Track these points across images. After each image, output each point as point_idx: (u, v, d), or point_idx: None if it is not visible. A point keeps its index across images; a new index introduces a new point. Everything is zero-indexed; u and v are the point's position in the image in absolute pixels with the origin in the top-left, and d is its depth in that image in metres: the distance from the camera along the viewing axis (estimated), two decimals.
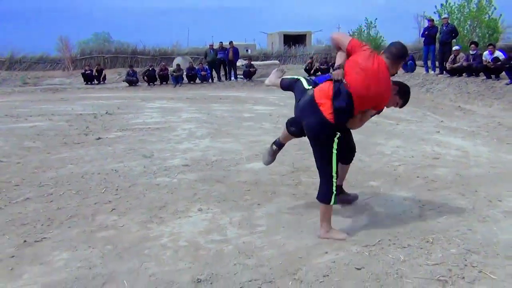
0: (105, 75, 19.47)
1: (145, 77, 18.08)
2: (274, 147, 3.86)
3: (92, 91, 16.99)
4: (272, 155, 3.88)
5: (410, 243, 3.13)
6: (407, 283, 2.60)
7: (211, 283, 2.63)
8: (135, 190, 4.44)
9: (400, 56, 3.12)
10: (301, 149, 6.05)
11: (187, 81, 18.28)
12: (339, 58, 3.18)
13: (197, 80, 18.33)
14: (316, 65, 19.66)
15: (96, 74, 19.06)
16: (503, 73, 11.27)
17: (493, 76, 11.69)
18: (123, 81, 18.52)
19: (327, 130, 3.06)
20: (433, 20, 14.83)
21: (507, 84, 10.95)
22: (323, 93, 3.09)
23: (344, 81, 3.00)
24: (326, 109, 3.02)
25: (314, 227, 3.39)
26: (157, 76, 18.25)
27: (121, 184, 4.63)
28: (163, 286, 2.60)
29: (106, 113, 10.15)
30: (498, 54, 11.43)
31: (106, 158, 5.79)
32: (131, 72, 18.31)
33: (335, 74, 3.05)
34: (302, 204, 4.00)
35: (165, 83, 18.38)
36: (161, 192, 4.38)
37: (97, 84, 19.03)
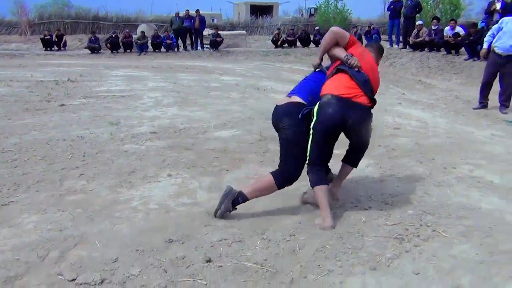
0: (65, 41, 18.74)
1: (108, 45, 17.54)
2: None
3: (52, 58, 16.36)
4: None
5: (371, 206, 3.32)
6: (367, 241, 2.78)
7: (182, 243, 2.73)
8: (103, 157, 4.43)
9: (381, 52, 3.40)
10: (268, 119, 6.12)
11: (152, 50, 17.87)
12: (340, 51, 3.10)
13: (162, 49, 17.95)
14: (283, 36, 19.64)
15: (56, 40, 18.29)
16: (463, 48, 11.67)
17: (453, 51, 12.09)
18: (85, 47, 17.91)
19: (371, 115, 3.08)
20: None
21: (465, 59, 11.38)
22: (344, 87, 2.97)
23: (361, 69, 3.03)
24: (362, 99, 2.97)
25: (280, 191, 3.51)
26: (120, 44, 17.74)
27: (88, 151, 4.59)
28: (135, 246, 2.67)
29: (68, 80, 9.85)
30: (458, 29, 11.80)
31: (71, 124, 5.70)
32: (93, 38, 17.72)
33: (354, 61, 3.00)
34: (269, 170, 4.09)
35: (129, 51, 17.91)
36: (130, 158, 4.39)
37: (57, 50, 18.29)
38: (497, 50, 6.82)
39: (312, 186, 3.04)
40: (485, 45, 7.11)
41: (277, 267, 2.47)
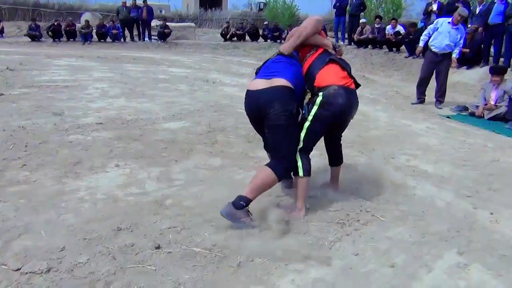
0: (3, 28, 17.72)
1: (50, 33, 16.78)
2: None
3: None
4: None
5: (316, 194, 3.47)
6: (311, 226, 2.92)
7: (131, 231, 2.74)
8: (47, 147, 4.30)
9: None
10: (217, 111, 6.21)
11: (96, 39, 17.31)
12: (325, 40, 3.16)
13: (108, 39, 17.44)
14: (232, 30, 19.65)
15: None
16: (403, 46, 12.26)
17: (394, 49, 12.67)
18: (25, 35, 17.02)
19: None
20: None
21: (405, 57, 11.97)
22: (342, 77, 3.01)
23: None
24: (353, 86, 3.07)
25: (229, 181, 3.61)
26: (63, 32, 17.03)
27: (30, 141, 4.44)
28: (82, 235, 2.66)
29: (7, 68, 9.35)
30: (399, 28, 12.37)
31: (11, 114, 5.46)
32: (34, 26, 16.88)
33: (341, 51, 3.14)
34: (218, 161, 4.19)
35: (72, 40, 17.23)
36: (75, 149, 4.30)
37: None
38: (433, 49, 7.30)
39: (304, 175, 3.00)
40: (420, 44, 7.67)
41: (225, 252, 2.55)
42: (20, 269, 2.29)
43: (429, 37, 7.38)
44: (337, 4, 15.04)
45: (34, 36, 16.70)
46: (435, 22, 7.53)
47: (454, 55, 7.28)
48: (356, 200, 3.37)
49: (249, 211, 2.85)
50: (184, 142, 4.71)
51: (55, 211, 2.97)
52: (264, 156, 4.33)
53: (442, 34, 7.19)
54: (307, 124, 2.97)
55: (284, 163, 2.93)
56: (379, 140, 5.21)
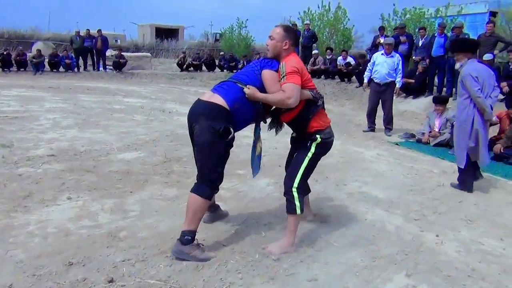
0: None
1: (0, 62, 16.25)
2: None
3: None
4: None
5: (271, 221, 3.55)
6: (266, 254, 2.96)
7: (83, 265, 2.68)
8: None
9: None
10: (173, 140, 6.21)
11: (49, 69, 16.91)
12: (306, 93, 2.99)
13: (61, 69, 17.09)
14: (189, 60, 19.80)
15: None
16: (354, 77, 12.79)
17: (346, 79, 13.20)
18: None
19: None
20: (296, 25, 16.07)
21: (356, 87, 12.50)
22: (326, 117, 3.21)
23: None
24: None
25: (184, 211, 3.60)
26: (13, 62, 16.54)
27: None
28: (32, 271, 2.58)
29: None
30: (349, 59, 12.96)
31: None
32: None
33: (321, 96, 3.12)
34: (174, 191, 4.18)
35: (23, 69, 16.72)
36: (25, 182, 4.17)
37: None
38: (376, 80, 7.89)
39: (300, 213, 3.02)
40: (365, 80, 8.39)
41: (180, 283, 2.54)
42: None
43: (371, 72, 8.01)
44: None
45: None
46: (372, 58, 8.14)
47: (398, 85, 7.87)
48: (310, 226, 3.46)
49: (199, 244, 2.87)
50: (139, 173, 4.68)
51: (2, 247, 2.86)
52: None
53: (380, 65, 7.86)
54: (305, 163, 3.04)
55: (207, 183, 2.88)
56: (332, 167, 5.37)
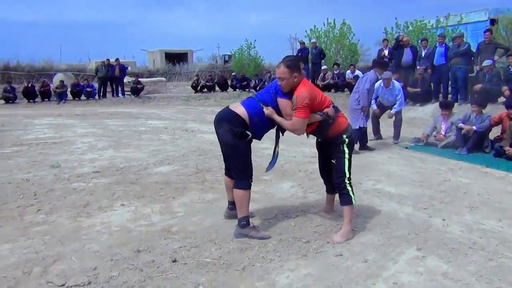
0: None
1: (25, 94, 17.21)
2: None
3: None
4: None
5: (298, 214, 4.11)
6: (298, 239, 3.52)
7: (149, 251, 3.27)
8: (54, 194, 4.78)
9: None
10: (201, 155, 6.82)
11: (71, 98, 17.84)
12: (314, 116, 3.51)
13: (82, 97, 18.00)
14: (202, 82, 20.60)
15: None
16: None
17: None
18: (0, 98, 17.34)
19: None
20: (304, 43, 16.80)
21: None
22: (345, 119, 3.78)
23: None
24: None
25: (223, 210, 4.16)
26: (38, 93, 17.50)
27: (37, 191, 4.91)
28: (109, 257, 3.17)
29: None
30: (358, 72, 13.57)
31: (11, 170, 5.90)
32: (9, 88, 17.29)
33: (330, 112, 3.55)
34: (210, 195, 4.77)
35: (46, 99, 17.70)
36: (81, 194, 4.80)
37: None
38: (381, 102, 8.32)
39: (354, 203, 3.62)
40: (374, 107, 8.34)
41: (230, 261, 3.12)
42: (64, 284, 2.78)
43: (375, 100, 8.28)
44: (299, 54, 16.30)
45: (9, 98, 17.07)
46: (374, 89, 8.18)
47: (393, 111, 8.13)
48: (333, 217, 4.01)
49: (255, 226, 3.57)
50: (177, 182, 5.28)
51: (79, 242, 3.47)
52: None
53: (382, 96, 8.24)
54: (346, 163, 3.61)
55: (242, 176, 3.53)
56: None
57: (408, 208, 4.35)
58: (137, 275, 2.89)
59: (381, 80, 8.09)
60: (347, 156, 3.63)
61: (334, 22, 18.18)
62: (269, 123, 3.59)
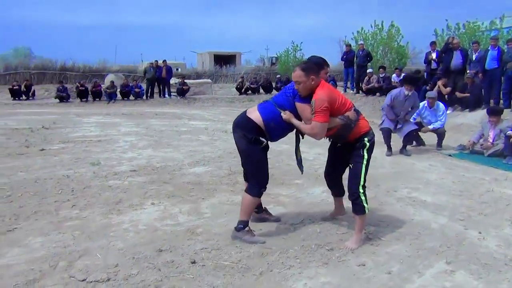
0: (34, 91, 19.11)
1: (78, 93, 18.04)
2: None
3: (20, 107, 16.65)
4: None
5: (326, 220, 4.02)
6: (321, 246, 3.44)
7: (170, 251, 3.31)
8: (90, 191, 4.96)
9: None
10: (236, 157, 6.82)
11: (120, 98, 18.49)
12: (335, 120, 3.41)
13: (131, 97, 18.61)
14: (247, 84, 20.73)
15: (25, 89, 18.67)
16: None
17: None
18: (55, 97, 18.28)
19: None
20: (350, 45, 16.51)
21: None
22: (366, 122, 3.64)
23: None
24: None
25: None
26: (90, 93, 18.28)
27: (75, 187, 5.11)
28: (131, 256, 3.23)
29: (43, 127, 10.30)
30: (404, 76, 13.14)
31: (55, 166, 6.18)
32: (62, 88, 18.19)
33: (352, 116, 3.45)
34: (239, 198, 4.72)
35: (97, 99, 18.44)
36: (115, 191, 4.94)
37: (25, 100, 18.61)
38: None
39: (367, 212, 3.51)
40: (415, 126, 7.76)
41: (248, 265, 3.09)
42: (85, 279, 2.86)
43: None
44: (344, 56, 16.03)
45: (62, 97, 17.94)
46: (417, 111, 7.96)
47: (431, 126, 7.83)
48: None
49: (250, 230, 3.54)
50: (208, 183, 5.33)
51: (106, 239, 3.56)
52: (279, 193, 4.93)
53: (425, 117, 7.95)
54: (364, 169, 3.51)
55: (256, 183, 3.52)
56: (384, 176, 5.74)
57: (443, 218, 4.15)
58: (155, 274, 2.93)
59: (425, 101, 7.96)
60: (365, 161, 3.51)
61: (382, 24, 17.77)
62: (287, 127, 3.52)
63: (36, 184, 5.21)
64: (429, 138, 8.29)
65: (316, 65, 3.46)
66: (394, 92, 7.46)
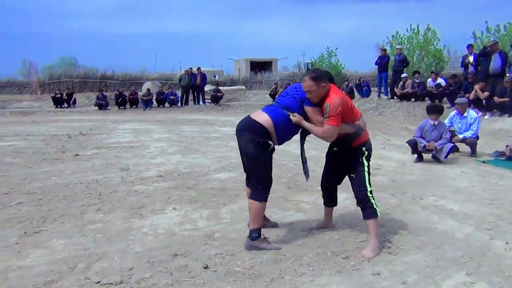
0: (75, 99, 19.90)
1: (117, 101, 18.63)
2: None
3: (62, 114, 17.38)
4: None
5: (345, 228, 3.96)
6: (337, 253, 3.38)
7: (185, 256, 3.35)
8: (116, 196, 5.09)
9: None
10: None
11: (156, 105, 18.93)
12: (346, 127, 3.41)
13: (166, 104, 19.02)
14: (280, 90, 20.70)
15: (66, 97, 19.46)
16: (445, 98, 12.57)
17: (436, 101, 12.98)
18: (94, 105, 18.95)
19: None
20: (385, 50, 16.21)
21: (448, 107, 12.20)
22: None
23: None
24: None
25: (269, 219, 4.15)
26: (127, 100, 18.82)
27: (103, 191, 5.26)
28: (147, 259, 3.29)
29: (80, 133, 10.70)
30: (440, 81, 12.77)
31: (86, 171, 6.40)
32: (101, 96, 18.83)
33: (362, 124, 3.52)
34: None
35: (134, 106, 18.96)
36: (139, 196, 5.06)
37: (67, 107, 19.40)
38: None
39: (378, 216, 3.48)
40: (461, 136, 7.75)
41: (260, 271, 3.08)
42: (99, 282, 2.94)
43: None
44: (378, 61, 15.76)
45: (101, 105, 18.57)
46: (448, 120, 7.99)
47: (461, 136, 7.64)
48: (381, 233, 3.79)
49: (266, 238, 3.50)
50: (231, 189, 5.35)
51: (125, 242, 3.65)
52: (300, 199, 4.90)
53: (456, 124, 7.86)
54: (366, 175, 3.51)
55: (262, 188, 3.46)
56: (411, 184, 5.59)
57: (469, 228, 3.99)
58: (166, 278, 2.97)
59: (455, 110, 7.89)
60: (366, 168, 3.50)
61: (418, 28, 17.35)
62: (294, 130, 3.51)
63: (67, 189, 5.40)
64: (464, 144, 8.01)
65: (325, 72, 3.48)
66: (421, 123, 7.52)
